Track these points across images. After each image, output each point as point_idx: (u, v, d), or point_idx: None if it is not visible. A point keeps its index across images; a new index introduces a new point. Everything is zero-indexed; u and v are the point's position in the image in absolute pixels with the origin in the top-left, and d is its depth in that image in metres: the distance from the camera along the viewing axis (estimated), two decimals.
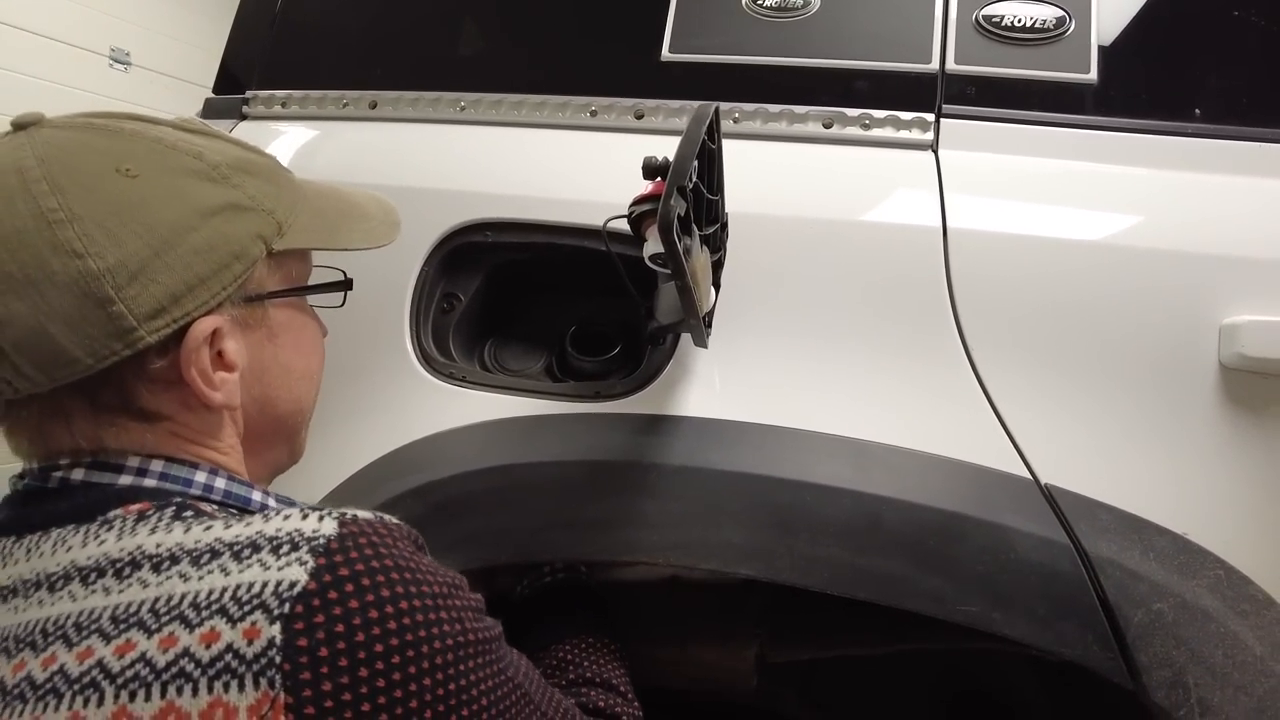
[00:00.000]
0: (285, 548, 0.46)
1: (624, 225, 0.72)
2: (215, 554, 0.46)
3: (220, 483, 0.56)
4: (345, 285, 0.69)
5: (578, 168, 0.97)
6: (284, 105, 1.11)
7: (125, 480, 0.52)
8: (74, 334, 0.48)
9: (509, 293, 0.99)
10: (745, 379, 0.85)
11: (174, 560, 0.46)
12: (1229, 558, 0.75)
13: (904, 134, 0.93)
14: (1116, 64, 0.91)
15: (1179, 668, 0.71)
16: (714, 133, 0.65)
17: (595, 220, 0.87)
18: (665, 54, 1.00)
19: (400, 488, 0.83)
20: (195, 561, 0.46)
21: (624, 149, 0.98)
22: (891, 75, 0.95)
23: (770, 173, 0.93)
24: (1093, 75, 0.91)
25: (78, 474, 0.52)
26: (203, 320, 0.52)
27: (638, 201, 0.70)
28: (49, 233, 0.48)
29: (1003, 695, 1.05)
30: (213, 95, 1.15)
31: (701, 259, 0.69)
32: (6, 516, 0.53)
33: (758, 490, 0.78)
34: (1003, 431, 0.80)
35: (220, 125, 1.11)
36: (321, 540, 0.47)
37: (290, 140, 1.07)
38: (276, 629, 0.43)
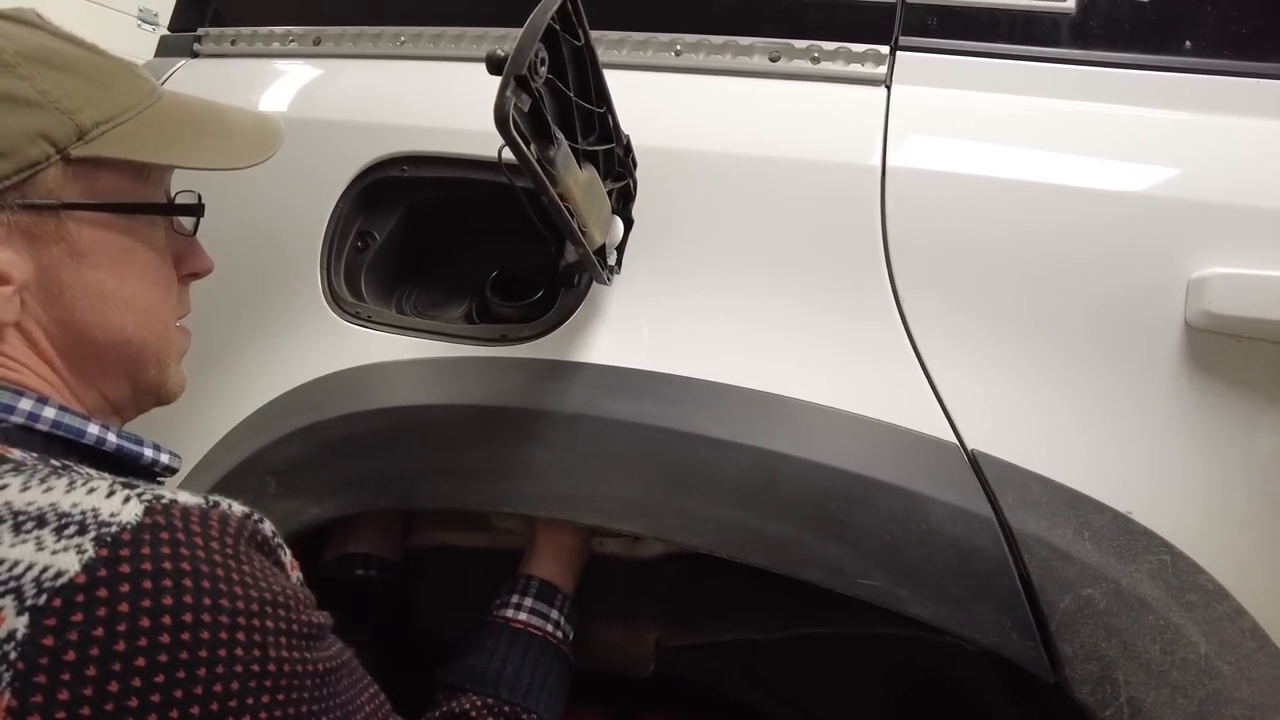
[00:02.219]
0: (71, 529, 0.40)
1: None
2: None
3: (49, 412, 0.51)
4: (188, 210, 0.61)
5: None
6: (233, 43, 1.07)
7: None
8: None
9: (430, 233, 0.93)
10: (658, 325, 0.78)
11: None
12: (1177, 542, 0.65)
13: (855, 68, 0.83)
14: None
15: (1108, 662, 0.62)
16: (576, 26, 0.58)
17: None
18: None
19: (287, 427, 0.79)
20: None
21: None
22: (844, 4, 0.85)
23: (706, 108, 0.85)
24: (1070, 4, 0.81)
25: None
26: None
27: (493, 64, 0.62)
28: None
29: (956, 683, 0.95)
30: (167, 33, 1.12)
31: (578, 175, 0.62)
32: None
33: (650, 442, 0.70)
34: (929, 390, 0.71)
35: (171, 63, 1.08)
36: (114, 528, 0.40)
37: (231, 77, 1.03)
38: (23, 621, 0.36)
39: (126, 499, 0.41)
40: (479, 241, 0.93)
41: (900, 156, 0.77)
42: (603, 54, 0.90)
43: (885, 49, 0.83)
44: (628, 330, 0.78)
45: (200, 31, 1.09)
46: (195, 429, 0.85)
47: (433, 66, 0.96)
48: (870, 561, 0.65)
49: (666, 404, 0.72)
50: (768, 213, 0.78)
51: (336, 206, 0.89)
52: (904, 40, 0.84)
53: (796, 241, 0.77)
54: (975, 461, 0.68)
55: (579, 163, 0.62)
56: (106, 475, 0.45)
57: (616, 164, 0.72)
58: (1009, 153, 0.76)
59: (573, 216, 0.62)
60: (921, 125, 0.79)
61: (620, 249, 0.77)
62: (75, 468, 0.48)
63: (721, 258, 0.78)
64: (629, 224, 0.78)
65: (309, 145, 0.90)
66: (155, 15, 2.51)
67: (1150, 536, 0.65)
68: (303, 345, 0.86)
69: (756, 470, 0.68)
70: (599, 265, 0.70)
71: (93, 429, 0.53)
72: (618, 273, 0.77)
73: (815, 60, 0.85)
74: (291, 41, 1.04)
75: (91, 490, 0.41)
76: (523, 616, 0.75)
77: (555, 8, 0.53)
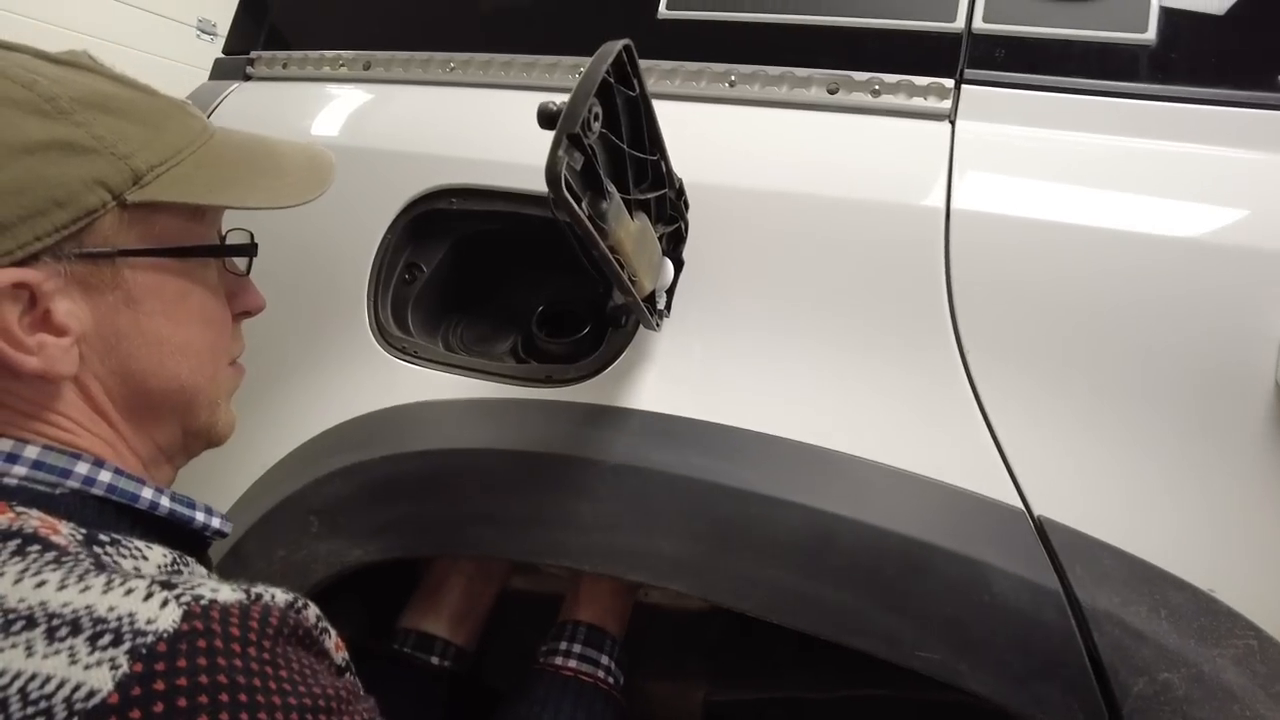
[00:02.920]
0: (106, 639, 0.37)
1: None
2: (31, 623, 0.37)
3: (105, 475, 0.50)
4: (242, 250, 0.60)
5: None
6: (285, 66, 1.07)
7: None
8: None
9: (478, 265, 0.91)
10: (707, 370, 0.75)
11: None
12: (1266, 625, 0.60)
13: (918, 102, 0.80)
14: (1180, 22, 0.75)
15: None
16: (630, 76, 0.55)
17: None
18: (662, 10, 0.90)
19: (330, 466, 0.77)
20: (6, 627, 0.38)
21: None
22: (907, 35, 0.81)
23: (761, 142, 0.82)
24: (1150, 35, 0.76)
25: None
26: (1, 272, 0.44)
27: (544, 118, 0.60)
28: None
29: None
30: (222, 56, 1.13)
31: (629, 226, 0.59)
32: None
33: (699, 497, 0.67)
34: (995, 450, 0.67)
35: (224, 86, 1.08)
36: (150, 638, 0.37)
37: (283, 101, 1.03)
38: None
39: (165, 602, 0.39)
40: (526, 273, 0.91)
41: (966, 198, 0.73)
42: (654, 84, 0.88)
43: (950, 82, 0.79)
44: (676, 375, 0.76)
45: (253, 54, 1.09)
46: (237, 463, 0.84)
47: (483, 94, 0.94)
48: (929, 633, 0.62)
49: (715, 456, 0.69)
50: (824, 255, 0.75)
51: (385, 237, 0.87)
52: (969, 73, 0.79)
53: (854, 286, 0.73)
54: (1042, 529, 0.64)
55: (630, 212, 0.60)
56: (144, 572, 0.43)
57: (669, 208, 0.69)
58: (1083, 196, 0.71)
59: (623, 268, 0.60)
60: (989, 164, 0.75)
61: (670, 292, 0.74)
62: (122, 544, 0.47)
63: (775, 301, 0.75)
64: (679, 266, 0.75)
65: (358, 174, 0.89)
66: (214, 26, 2.55)
67: (1235, 618, 0.60)
68: (348, 379, 0.84)
69: (810, 532, 0.65)
70: (648, 312, 0.68)
71: (146, 493, 0.52)
72: (667, 316, 0.75)
73: (875, 93, 0.81)
74: (341, 66, 1.03)
75: (129, 592, 0.39)
76: (572, 664, 0.73)
77: (610, 61, 0.50)
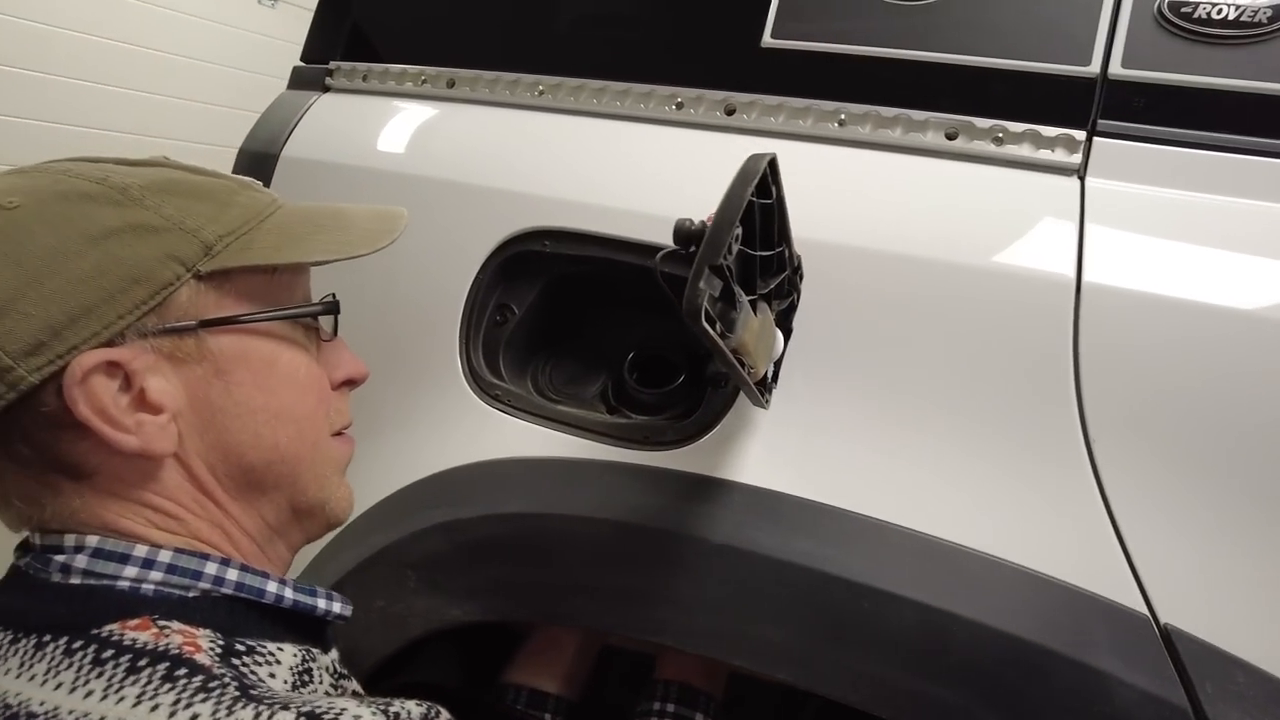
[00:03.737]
0: None
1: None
2: None
3: (232, 574, 0.51)
4: (322, 310, 0.59)
5: (653, 173, 0.84)
6: (365, 79, 1.03)
7: (129, 574, 0.48)
8: None
9: (568, 305, 0.89)
10: (813, 446, 0.72)
11: None
12: None
13: (1044, 154, 0.74)
14: None
15: None
16: (770, 186, 0.52)
17: (664, 236, 0.76)
18: (767, 39, 0.85)
19: (428, 520, 0.77)
20: None
21: (710, 149, 0.85)
22: (1036, 79, 0.75)
23: (874, 192, 0.77)
24: None
25: (80, 561, 0.47)
26: (86, 354, 0.45)
27: (682, 238, 0.57)
28: None
29: None
30: (301, 64, 1.10)
31: (753, 325, 0.56)
32: (6, 604, 0.48)
33: (808, 585, 0.66)
34: (1119, 550, 0.64)
35: (304, 98, 1.06)
36: None
37: (366, 117, 1.00)
38: None
39: None
40: (615, 312, 0.89)
41: (1099, 269, 0.68)
42: (755, 120, 0.84)
43: (1080, 134, 0.74)
44: (779, 447, 0.73)
45: (332, 65, 1.06)
46: None
47: (573, 122, 0.90)
48: None
49: (824, 542, 0.67)
50: (939, 325, 0.71)
51: (476, 278, 0.85)
52: (1103, 124, 0.74)
53: (971, 361, 0.70)
54: (1169, 639, 0.61)
55: (754, 309, 0.57)
56: (280, 680, 0.44)
57: (786, 285, 0.66)
58: (1233, 272, 0.66)
59: (743, 365, 0.57)
60: (1124, 228, 0.70)
61: (778, 363, 0.72)
62: (256, 651, 0.48)
63: (884, 373, 0.72)
64: (788, 335, 0.72)
65: (450, 210, 0.87)
66: None
67: None
68: (439, 426, 0.84)
69: (923, 629, 0.63)
70: (759, 393, 0.65)
71: (271, 587, 0.53)
72: (774, 386, 0.72)
73: (998, 142, 0.76)
74: (424, 82, 1.00)
75: None
76: None
77: (755, 183, 0.47)
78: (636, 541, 0.71)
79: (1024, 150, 0.75)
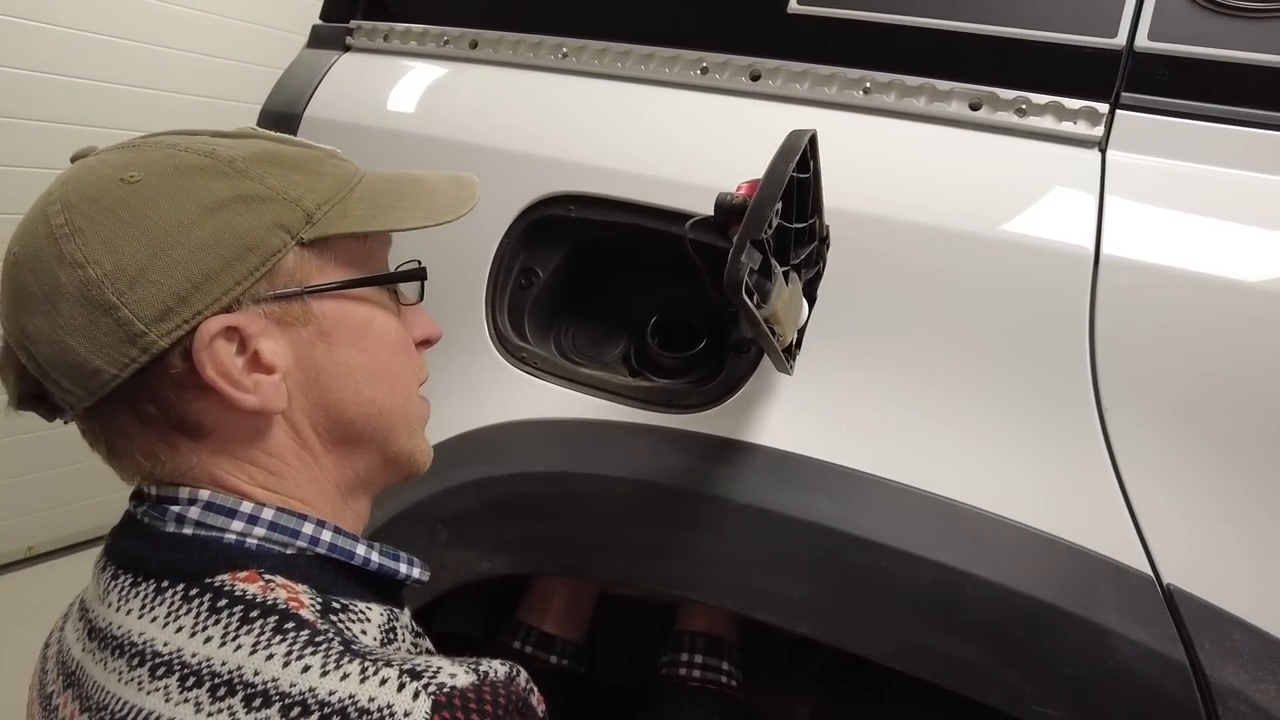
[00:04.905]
0: None
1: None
2: (305, 710, 0.42)
3: (326, 535, 0.54)
4: (412, 276, 0.62)
5: (678, 137, 0.85)
6: (386, 38, 1.03)
7: (235, 529, 0.51)
8: (90, 344, 0.47)
9: (592, 270, 0.90)
10: (833, 410, 0.75)
11: (266, 701, 0.42)
12: None
13: (1066, 126, 0.75)
14: None
15: None
16: (809, 161, 0.53)
17: (689, 203, 0.77)
18: (793, 5, 0.84)
19: (462, 477, 0.79)
20: (286, 711, 0.42)
21: (734, 115, 0.85)
22: (1061, 50, 0.76)
23: (896, 161, 0.78)
24: None
25: (193, 513, 0.51)
26: (212, 319, 0.48)
27: (723, 211, 0.58)
28: (55, 248, 0.47)
29: None
30: (320, 22, 1.09)
31: (785, 295, 0.58)
32: (125, 548, 0.52)
33: (828, 545, 0.68)
34: (1126, 513, 0.66)
35: (326, 57, 1.05)
36: None
37: (386, 79, 1.00)
38: None
39: (416, 694, 0.43)
40: (640, 276, 0.90)
41: (1117, 241, 0.69)
42: (780, 86, 0.84)
43: (1103, 106, 0.74)
44: (801, 410, 0.75)
45: (353, 24, 1.05)
46: None
47: (597, 85, 0.91)
48: (1050, 692, 0.63)
49: (844, 503, 0.70)
50: (957, 294, 0.72)
51: (502, 242, 0.86)
52: (1126, 96, 0.74)
53: (989, 329, 0.71)
54: (1171, 598, 0.64)
55: (786, 280, 0.58)
56: (392, 659, 0.47)
57: (814, 255, 0.67)
58: (1252, 248, 0.68)
59: (774, 333, 0.59)
60: (1143, 202, 0.71)
61: (802, 330, 0.73)
62: (350, 609, 0.51)
63: (903, 340, 0.74)
64: (812, 303, 0.74)
65: (476, 174, 0.87)
66: None
67: None
68: (467, 387, 0.85)
69: (939, 587, 0.66)
70: (785, 360, 0.67)
71: (360, 550, 0.55)
72: (798, 353, 0.74)
73: (1021, 113, 0.76)
74: (447, 43, 0.99)
75: (384, 682, 0.43)
76: (697, 674, 0.78)
77: (796, 159, 0.48)
78: (664, 500, 0.73)
79: (1046, 122, 0.76)
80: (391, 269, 0.62)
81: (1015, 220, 0.73)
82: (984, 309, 0.72)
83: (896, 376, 0.74)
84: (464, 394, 0.86)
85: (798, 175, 0.52)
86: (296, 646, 0.44)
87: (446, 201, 0.60)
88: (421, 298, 0.64)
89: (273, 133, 0.57)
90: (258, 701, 0.42)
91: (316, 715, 0.41)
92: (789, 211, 0.54)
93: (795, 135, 0.49)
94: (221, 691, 0.43)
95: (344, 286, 0.55)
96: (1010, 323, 0.71)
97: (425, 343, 0.65)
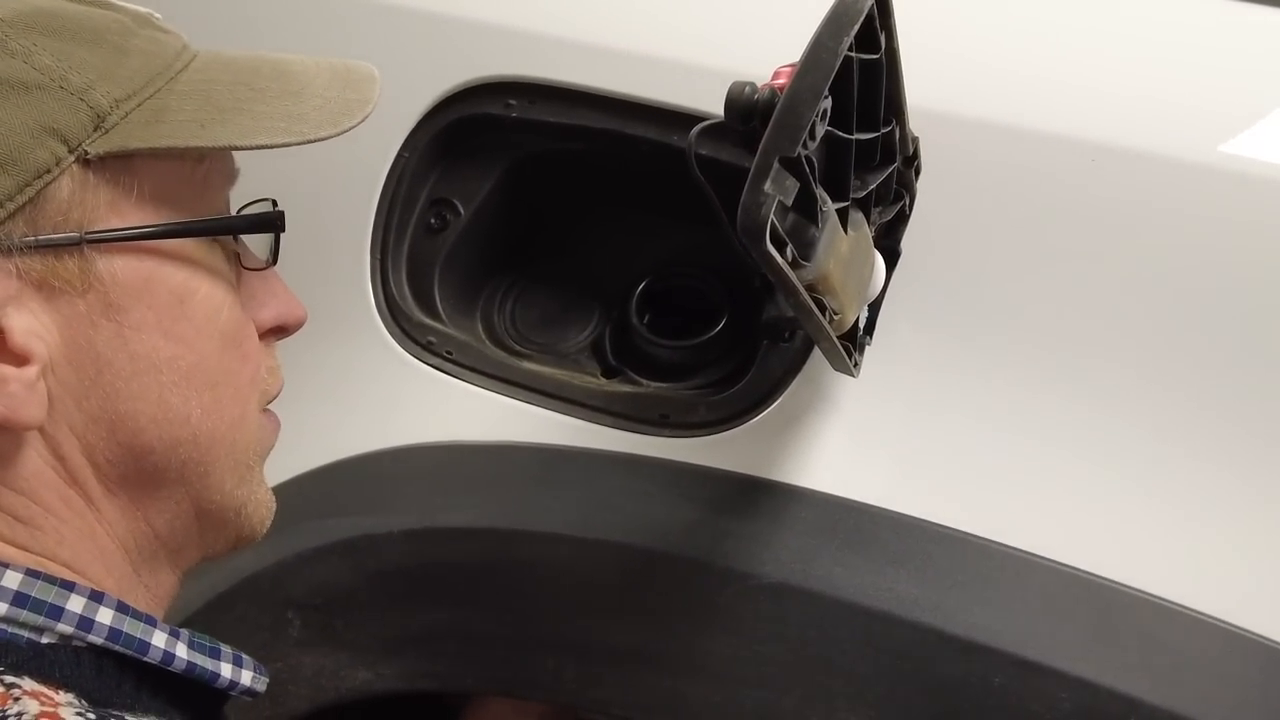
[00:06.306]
0: None
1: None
2: None
3: (105, 615, 0.53)
4: (263, 224, 0.62)
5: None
6: None
7: None
8: None
9: (544, 205, 0.91)
10: (919, 427, 0.76)
11: None
12: None
13: None
14: None
15: None
16: (878, 34, 0.53)
17: (702, 99, 0.78)
18: None
19: (328, 535, 0.80)
20: None
21: None
22: None
23: (1030, 28, 0.79)
24: None
25: None
26: None
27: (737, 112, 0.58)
28: None
29: None
30: None
31: (841, 248, 0.58)
32: None
33: (911, 648, 0.69)
34: None
35: None
36: None
37: None
38: None
39: None
40: (619, 217, 0.92)
41: None
42: None
43: None
44: (869, 430, 0.76)
45: None
46: None
47: None
48: None
49: (934, 582, 0.70)
50: (1130, 255, 0.73)
51: (398, 159, 0.87)
52: None
53: (1188, 306, 0.72)
54: None
55: (844, 223, 0.58)
56: None
57: (894, 186, 0.67)
58: None
59: (824, 310, 0.59)
60: None
61: (875, 305, 0.73)
62: None
63: (1044, 322, 0.75)
64: (893, 262, 0.74)
65: (361, 47, 0.89)
66: None
67: None
68: (340, 388, 0.86)
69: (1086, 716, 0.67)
70: (844, 352, 0.67)
71: (158, 641, 0.55)
72: (869, 343, 0.74)
73: None
74: None
75: None
76: None
77: (855, 29, 0.48)
78: (647, 575, 0.74)
79: None
80: (232, 212, 0.61)
81: (1228, 144, 0.73)
82: (1180, 275, 0.73)
83: (1032, 382, 0.75)
84: (335, 402, 0.86)
85: (859, 56, 0.53)
86: None
87: (324, 105, 0.60)
88: (275, 259, 0.64)
89: None
90: None
91: None
92: (846, 115, 0.54)
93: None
94: None
95: (151, 236, 0.54)
96: (1223, 295, 0.72)
97: (279, 330, 0.65)
